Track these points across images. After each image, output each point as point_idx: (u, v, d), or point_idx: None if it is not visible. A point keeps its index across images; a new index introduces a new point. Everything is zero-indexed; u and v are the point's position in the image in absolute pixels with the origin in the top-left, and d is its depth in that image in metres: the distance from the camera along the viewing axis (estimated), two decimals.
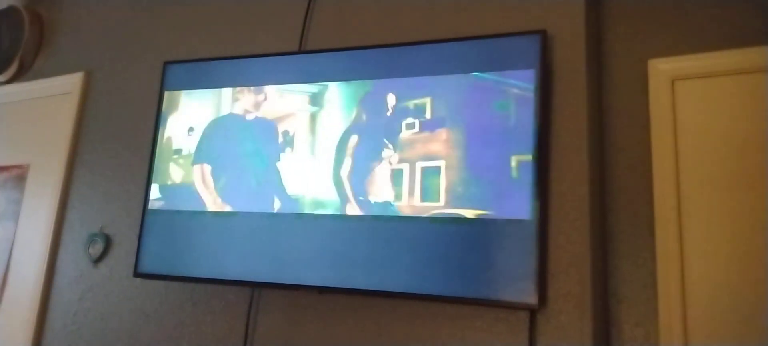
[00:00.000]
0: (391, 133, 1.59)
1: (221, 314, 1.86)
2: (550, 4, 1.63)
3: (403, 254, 1.55)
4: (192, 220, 1.84)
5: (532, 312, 1.45)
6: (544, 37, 1.53)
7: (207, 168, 1.85)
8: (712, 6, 1.64)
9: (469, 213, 1.46)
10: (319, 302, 1.72)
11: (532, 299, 1.41)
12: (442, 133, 1.53)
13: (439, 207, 1.50)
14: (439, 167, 1.51)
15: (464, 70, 1.59)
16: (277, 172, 1.76)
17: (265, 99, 1.81)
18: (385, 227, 1.58)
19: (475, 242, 1.48)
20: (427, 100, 1.55)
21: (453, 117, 1.52)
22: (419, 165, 1.52)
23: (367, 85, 1.67)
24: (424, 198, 1.52)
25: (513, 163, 1.43)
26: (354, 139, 1.60)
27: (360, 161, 1.61)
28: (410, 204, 1.54)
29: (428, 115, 1.57)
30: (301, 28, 1.99)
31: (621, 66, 1.71)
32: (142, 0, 2.43)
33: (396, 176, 1.56)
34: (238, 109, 1.85)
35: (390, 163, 1.53)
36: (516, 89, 1.49)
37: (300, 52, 1.92)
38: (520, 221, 1.45)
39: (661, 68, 1.65)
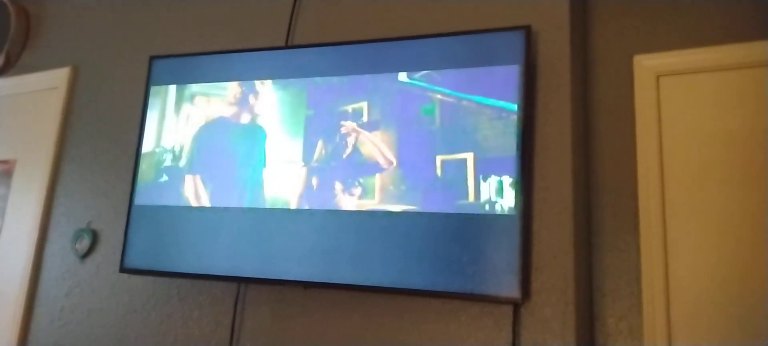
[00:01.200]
0: (348, 173, 1.63)
1: (208, 308, 1.86)
2: (534, 0, 1.63)
3: (389, 248, 1.55)
4: (179, 215, 1.84)
5: (516, 306, 1.46)
6: (528, 33, 1.53)
7: (198, 179, 1.84)
8: (697, 3, 1.64)
9: (397, 208, 1.55)
10: (304, 296, 1.72)
11: (515, 292, 1.41)
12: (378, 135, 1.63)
13: (373, 204, 1.58)
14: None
15: (448, 66, 1.59)
16: (262, 172, 1.76)
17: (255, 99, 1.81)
18: (370, 222, 1.59)
19: (460, 236, 1.49)
20: (364, 106, 1.66)
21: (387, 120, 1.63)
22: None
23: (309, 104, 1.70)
24: (362, 196, 1.60)
25: (438, 163, 1.52)
26: (314, 180, 1.66)
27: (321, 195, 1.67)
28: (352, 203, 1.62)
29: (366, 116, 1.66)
30: (288, 23, 1.98)
31: (606, 61, 1.71)
32: None
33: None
34: (227, 113, 1.84)
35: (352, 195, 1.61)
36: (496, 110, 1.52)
37: (287, 46, 1.92)
38: (504, 216, 1.46)
39: (646, 64, 1.66)
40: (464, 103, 1.52)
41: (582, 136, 1.63)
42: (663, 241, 1.56)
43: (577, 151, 1.56)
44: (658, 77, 1.65)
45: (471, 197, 1.48)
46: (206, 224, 1.79)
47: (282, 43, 1.97)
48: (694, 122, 1.60)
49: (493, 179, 1.47)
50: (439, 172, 1.53)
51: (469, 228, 1.48)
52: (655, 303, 1.52)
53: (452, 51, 1.60)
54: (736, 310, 1.47)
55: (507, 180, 1.45)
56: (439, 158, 1.54)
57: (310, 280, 1.62)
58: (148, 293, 1.98)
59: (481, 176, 1.49)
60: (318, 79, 1.75)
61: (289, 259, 1.66)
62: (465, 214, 1.49)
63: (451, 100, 1.53)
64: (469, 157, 1.50)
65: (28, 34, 2.67)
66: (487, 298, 1.45)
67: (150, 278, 1.99)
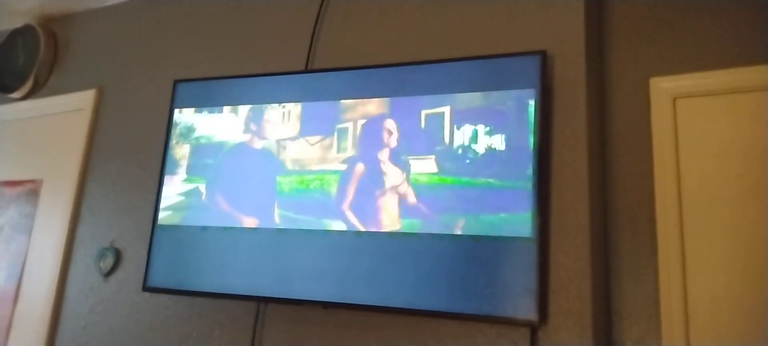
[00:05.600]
0: (396, 159, 1.69)
1: (227, 328, 1.89)
2: (550, 25, 1.65)
3: (407, 270, 1.57)
4: (200, 235, 1.87)
5: (533, 328, 1.46)
6: (544, 58, 1.55)
7: (220, 194, 1.89)
8: (712, 25, 1.65)
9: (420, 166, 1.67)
10: (324, 316, 1.74)
11: (532, 315, 1.42)
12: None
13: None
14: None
15: (465, 90, 1.62)
16: (278, 190, 1.79)
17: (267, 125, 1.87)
18: (389, 244, 1.61)
19: (477, 258, 1.50)
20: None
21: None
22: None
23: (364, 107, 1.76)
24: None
25: (422, 116, 1.67)
26: (359, 168, 1.72)
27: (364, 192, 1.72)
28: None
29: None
30: (308, 48, 2.03)
31: (622, 84, 1.72)
32: (154, 20, 2.49)
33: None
34: (246, 138, 1.90)
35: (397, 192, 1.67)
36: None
37: (307, 71, 1.96)
38: (521, 239, 1.47)
39: (663, 86, 1.67)
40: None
41: (599, 159, 1.64)
42: (681, 263, 1.56)
43: (594, 174, 1.57)
44: (674, 99, 1.66)
45: (446, 141, 1.62)
46: (226, 244, 1.82)
47: (302, 68, 2.01)
48: (711, 144, 1.60)
49: (468, 127, 1.59)
50: (423, 124, 1.65)
51: (486, 250, 1.50)
52: (673, 326, 1.52)
53: (469, 75, 1.63)
54: (756, 332, 1.46)
55: (481, 129, 1.58)
56: (423, 112, 1.67)
57: (329, 300, 1.64)
58: (169, 312, 2.01)
59: (455, 125, 1.61)
60: (337, 102, 1.79)
61: (308, 279, 1.69)
62: (482, 236, 1.51)
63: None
64: (446, 110, 1.64)
65: (56, 58, 2.76)
66: (504, 320, 1.46)
67: (171, 297, 2.02)
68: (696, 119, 1.63)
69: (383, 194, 1.67)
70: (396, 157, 1.68)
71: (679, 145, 1.63)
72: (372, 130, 1.73)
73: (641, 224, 1.61)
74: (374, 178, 1.69)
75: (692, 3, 1.69)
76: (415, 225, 1.59)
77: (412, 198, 1.63)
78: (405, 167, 1.65)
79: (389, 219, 1.64)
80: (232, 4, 2.28)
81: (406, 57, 1.83)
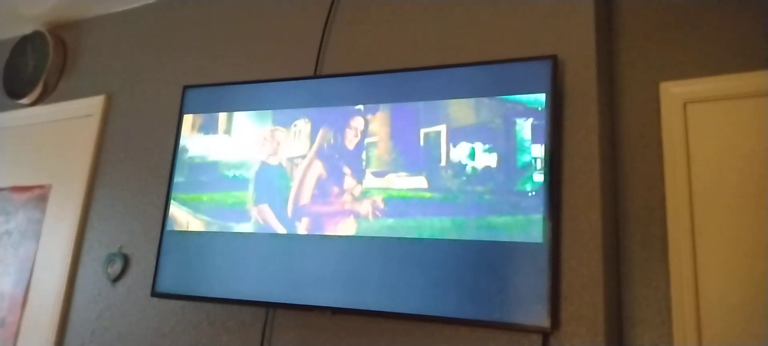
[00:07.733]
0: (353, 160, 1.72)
1: (236, 333, 1.89)
2: (561, 29, 1.65)
3: (417, 275, 1.56)
4: (208, 240, 1.87)
5: (545, 335, 1.45)
6: (554, 62, 1.55)
7: (265, 206, 1.87)
8: (723, 29, 1.65)
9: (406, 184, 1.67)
10: (332, 322, 1.74)
11: (544, 322, 1.41)
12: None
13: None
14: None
15: (477, 94, 1.61)
16: (291, 198, 1.80)
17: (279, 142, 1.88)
18: (398, 249, 1.60)
19: (488, 264, 1.49)
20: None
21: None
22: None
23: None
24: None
25: (421, 135, 1.68)
26: (317, 166, 1.76)
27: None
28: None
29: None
30: (316, 54, 2.03)
31: (633, 89, 1.72)
32: (162, 25, 2.50)
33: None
34: (264, 156, 1.90)
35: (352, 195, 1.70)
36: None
37: (315, 76, 1.96)
38: (532, 244, 1.46)
39: (673, 91, 1.66)
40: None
41: (610, 164, 1.63)
42: (693, 268, 1.55)
43: (605, 180, 1.56)
44: (685, 104, 1.65)
45: (443, 161, 1.62)
46: (235, 250, 1.82)
47: (311, 73, 2.02)
48: (722, 149, 1.59)
49: (464, 145, 1.61)
50: (421, 142, 1.66)
51: (497, 256, 1.49)
52: (686, 331, 1.50)
53: (479, 80, 1.62)
54: None
55: (479, 146, 1.57)
56: (422, 131, 1.67)
57: (338, 306, 1.64)
58: (178, 318, 2.01)
59: (451, 143, 1.61)
60: (346, 108, 1.79)
61: (316, 284, 1.68)
62: (493, 241, 1.50)
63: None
64: (442, 128, 1.65)
65: (65, 64, 2.77)
66: (515, 327, 1.45)
67: (179, 303, 2.02)
68: (707, 124, 1.63)
69: (340, 194, 1.70)
70: (354, 160, 1.70)
71: (690, 150, 1.62)
72: (338, 125, 1.76)
73: (653, 228, 1.60)
74: (334, 178, 1.72)
75: (702, 7, 1.69)
76: (381, 229, 1.60)
77: (379, 203, 1.65)
78: (361, 172, 1.68)
79: (345, 224, 1.68)
80: (241, 10, 2.29)
81: (415, 62, 1.83)
